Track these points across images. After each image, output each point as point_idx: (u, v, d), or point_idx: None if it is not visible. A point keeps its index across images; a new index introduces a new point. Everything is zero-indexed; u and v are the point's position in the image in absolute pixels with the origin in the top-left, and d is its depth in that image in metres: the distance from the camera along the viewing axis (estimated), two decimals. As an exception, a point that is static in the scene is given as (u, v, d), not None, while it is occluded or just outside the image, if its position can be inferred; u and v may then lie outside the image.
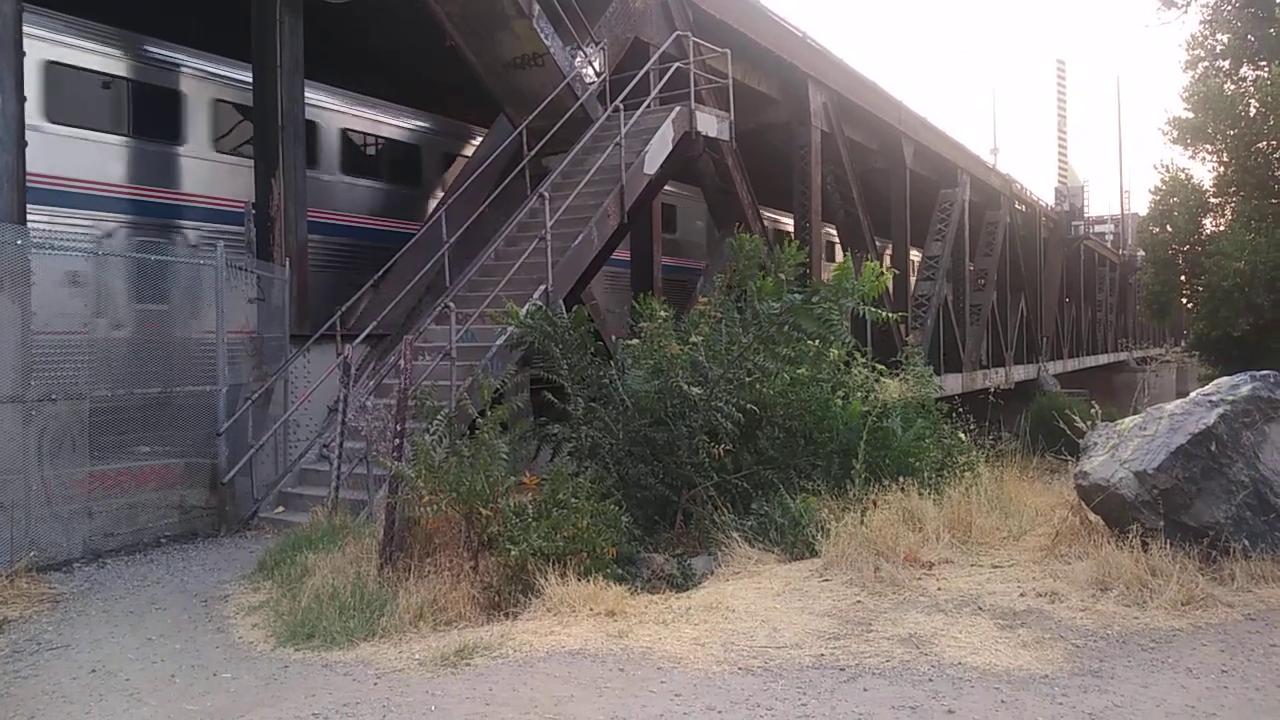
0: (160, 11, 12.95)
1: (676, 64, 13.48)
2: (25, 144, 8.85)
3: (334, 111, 14.38)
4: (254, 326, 10.13)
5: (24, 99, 8.84)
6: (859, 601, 5.74)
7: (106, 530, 8.02)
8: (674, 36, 14.20)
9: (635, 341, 9.07)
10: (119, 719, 4.58)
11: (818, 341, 8.16)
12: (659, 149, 12.61)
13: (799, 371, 8.37)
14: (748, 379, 7.88)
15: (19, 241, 7.81)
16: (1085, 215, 46.51)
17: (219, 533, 8.80)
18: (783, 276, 8.73)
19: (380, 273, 11.38)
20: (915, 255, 27.52)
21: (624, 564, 6.68)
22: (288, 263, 11.15)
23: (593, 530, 6.33)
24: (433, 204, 15.53)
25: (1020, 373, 34.92)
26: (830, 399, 8.35)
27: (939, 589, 5.91)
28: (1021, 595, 5.71)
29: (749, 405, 7.73)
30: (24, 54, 8.87)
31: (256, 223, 11.34)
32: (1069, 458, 8.04)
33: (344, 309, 10.66)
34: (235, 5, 12.05)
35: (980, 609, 5.50)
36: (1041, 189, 49.76)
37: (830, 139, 20.44)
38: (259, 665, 5.29)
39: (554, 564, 6.04)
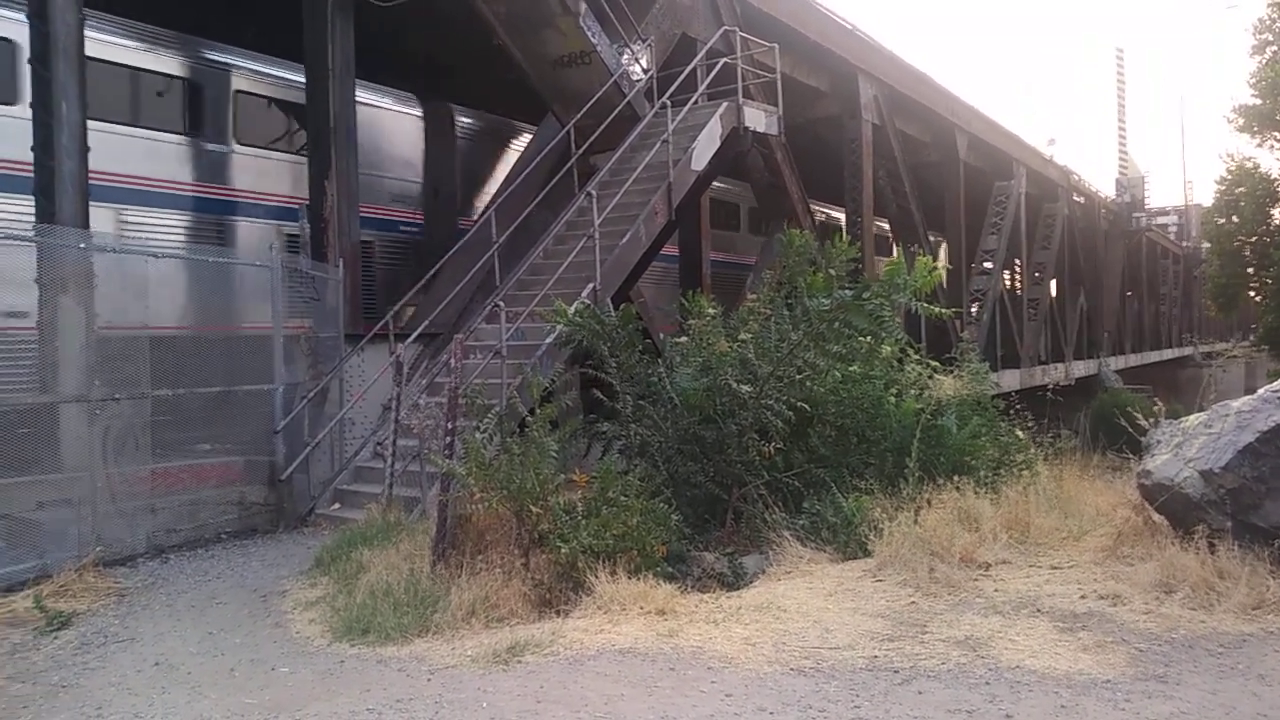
0: (217, 15, 13.26)
1: (724, 59, 13.39)
2: (88, 150, 9.11)
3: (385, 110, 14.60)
4: (309, 326, 10.30)
5: (87, 106, 9.10)
6: (913, 602, 5.65)
7: (169, 526, 8.22)
8: (721, 31, 14.10)
9: (683, 339, 9.04)
10: (180, 712, 4.68)
11: (869, 338, 8.04)
12: (706, 145, 12.55)
13: (851, 369, 8.26)
14: (798, 376, 7.80)
15: (82, 245, 8.04)
16: (1146, 207, 45.31)
17: (277, 529, 8.98)
18: (833, 272, 8.62)
19: (431, 272, 11.49)
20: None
21: (674, 562, 6.66)
22: (341, 263, 11.32)
23: (642, 528, 6.32)
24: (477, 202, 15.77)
25: (1081, 368, 34.11)
26: (883, 396, 8.23)
27: (996, 590, 5.80)
28: (1082, 597, 5.58)
29: (799, 403, 7.65)
30: (86, 61, 9.13)
31: (310, 224, 11.53)
32: (1131, 456, 7.83)
33: (396, 308, 10.79)
34: (289, 9, 12.26)
35: (1039, 611, 5.38)
36: (1101, 181, 48.55)
37: (881, 132, 20.18)
38: (315, 660, 5.38)
39: (604, 562, 6.04)
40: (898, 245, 22.35)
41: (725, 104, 12.89)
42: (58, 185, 8.84)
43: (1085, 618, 5.24)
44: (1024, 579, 6.00)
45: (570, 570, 6.05)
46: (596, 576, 5.90)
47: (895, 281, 7.42)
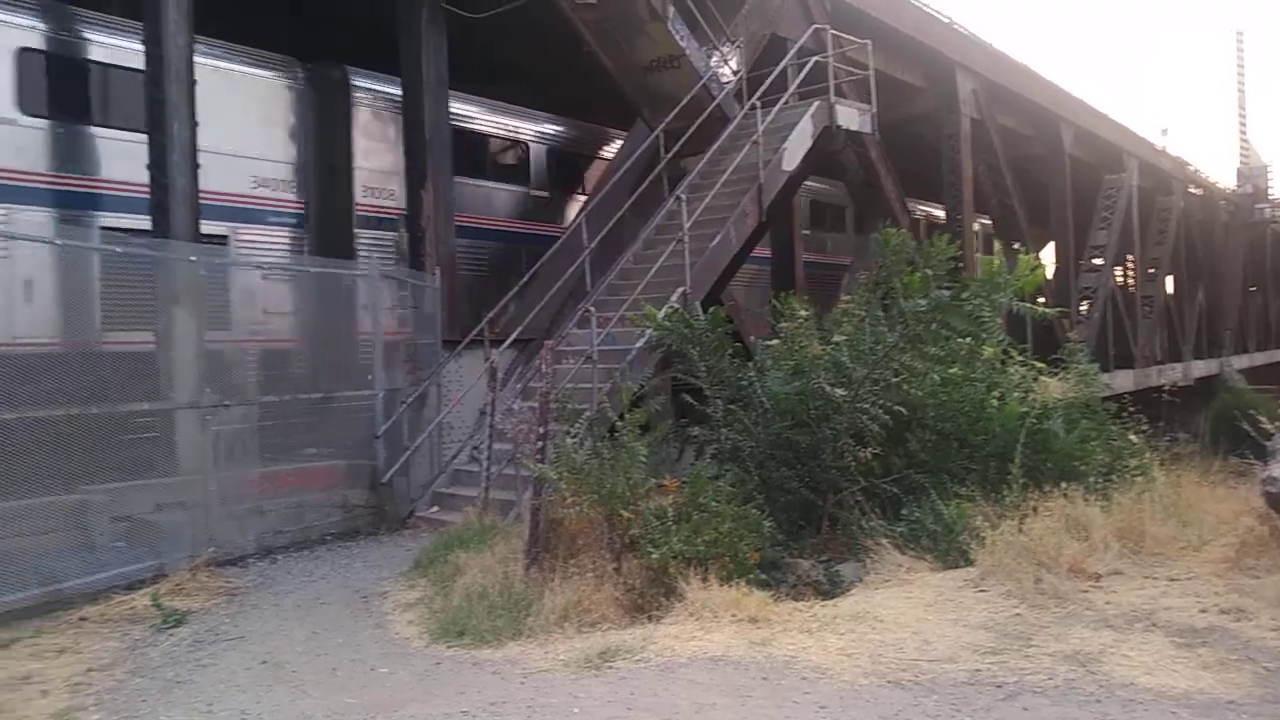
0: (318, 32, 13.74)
1: (815, 58, 13.20)
2: (198, 167, 9.53)
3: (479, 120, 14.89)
4: (408, 333, 10.56)
5: (196, 125, 9.53)
6: (1018, 614, 5.43)
7: (277, 528, 8.51)
8: (811, 30, 13.91)
9: (775, 342, 8.92)
10: (284, 710, 4.83)
11: (970, 339, 7.78)
12: (798, 145, 12.39)
13: (950, 371, 8.01)
14: (895, 380, 7.60)
15: (193, 258, 8.43)
16: (1270, 197, 42.73)
17: (378, 531, 9.21)
18: (930, 272, 8.37)
19: (525, 278, 11.64)
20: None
21: (767, 569, 6.56)
22: (438, 271, 11.57)
23: (734, 534, 6.25)
24: (572, 207, 15.91)
25: (1200, 368, 32.39)
26: (985, 399, 7.94)
27: (1107, 603, 5.52)
28: (1202, 611, 5.26)
29: (896, 407, 7.46)
30: (195, 83, 9.56)
31: (408, 233, 11.84)
32: (1255, 461, 7.37)
33: (491, 315, 10.97)
34: (385, 23, 12.60)
35: (1154, 625, 5.10)
36: (1219, 171, 46.05)
37: (981, 126, 19.59)
38: (413, 661, 5.48)
39: (696, 568, 5.99)
40: (1001, 243, 21.64)
41: (817, 103, 12.70)
42: (171, 201, 9.29)
43: (1206, 633, 4.95)
44: (1138, 591, 5.70)
45: (662, 576, 6.01)
46: (688, 583, 5.85)
47: (995, 281, 7.16)
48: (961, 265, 14.69)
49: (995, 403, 8.07)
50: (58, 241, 8.55)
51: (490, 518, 8.24)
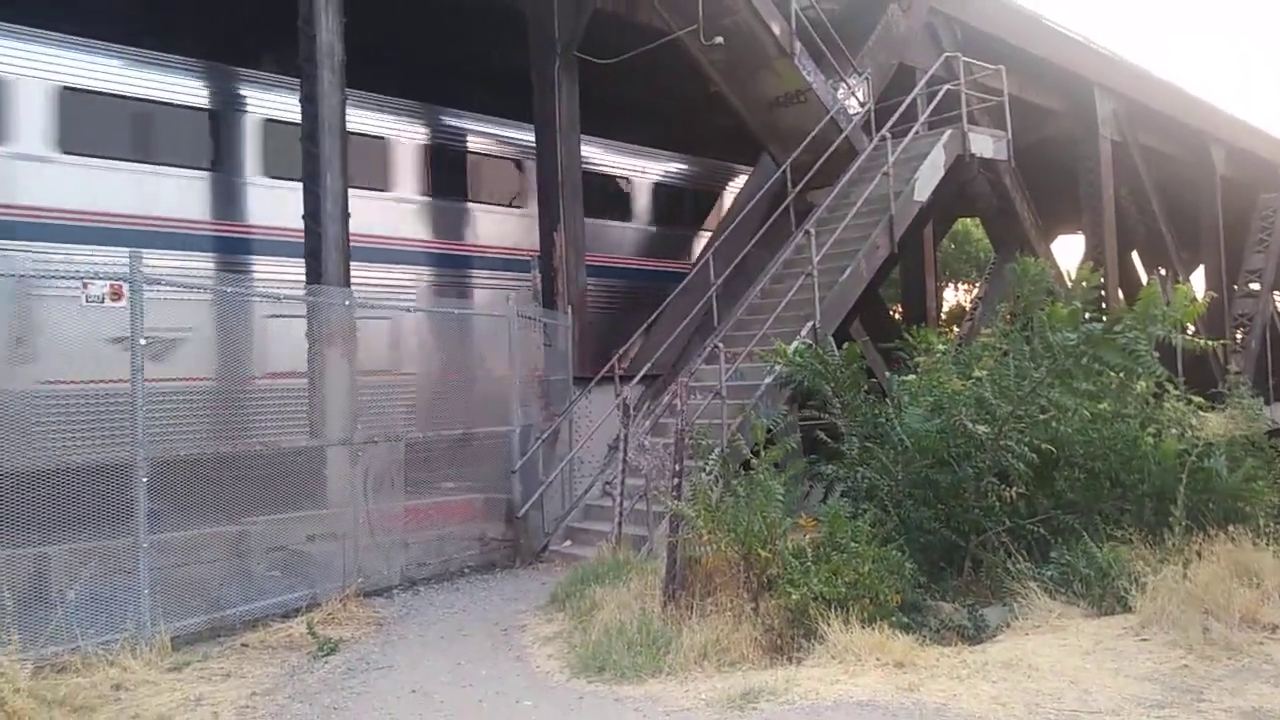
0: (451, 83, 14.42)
1: (945, 86, 12.99)
2: (349, 215, 10.09)
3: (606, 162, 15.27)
4: (542, 370, 10.82)
5: (348, 176, 10.10)
6: (1185, 666, 5.11)
7: (419, 560, 8.81)
8: (942, 59, 13.69)
9: (911, 377, 8.73)
10: (436, 739, 4.98)
11: (1121, 374, 7.42)
12: (929, 175, 12.19)
13: (1099, 407, 7.65)
14: (1041, 416, 7.32)
15: (345, 302, 8.89)
16: None
17: (514, 564, 9.41)
18: (1077, 304, 8.05)
19: (654, 315, 11.78)
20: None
21: (909, 612, 6.39)
22: (569, 309, 11.84)
23: (875, 576, 6.11)
24: (697, 244, 16.05)
25: (1373, 399, 29.82)
26: (1139, 436, 7.55)
27: (1287, 656, 5.13)
28: (1398, 669, 4.83)
29: (1043, 445, 7.17)
30: (348, 136, 10.16)
31: (541, 273, 12.18)
32: None
33: (621, 351, 11.14)
34: (519, 71, 13.09)
35: (1344, 683, 4.71)
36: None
37: (1123, 148, 18.79)
38: (556, 695, 5.57)
39: (836, 609, 5.89)
40: (1147, 271, 20.60)
41: (949, 132, 12.48)
42: (324, 248, 9.85)
43: (1406, 694, 4.54)
44: (1322, 645, 5.28)
45: (801, 617, 5.94)
46: (829, 624, 5.76)
47: (1151, 313, 6.82)
48: (1105, 295, 14.10)
49: (1150, 440, 7.66)
50: (226, 290, 9.16)
51: (624, 553, 8.30)
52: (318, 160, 9.88)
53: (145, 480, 6.41)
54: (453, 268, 13.51)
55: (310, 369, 8.97)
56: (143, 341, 6.53)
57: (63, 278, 9.12)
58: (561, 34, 12.30)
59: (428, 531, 9.15)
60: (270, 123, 11.85)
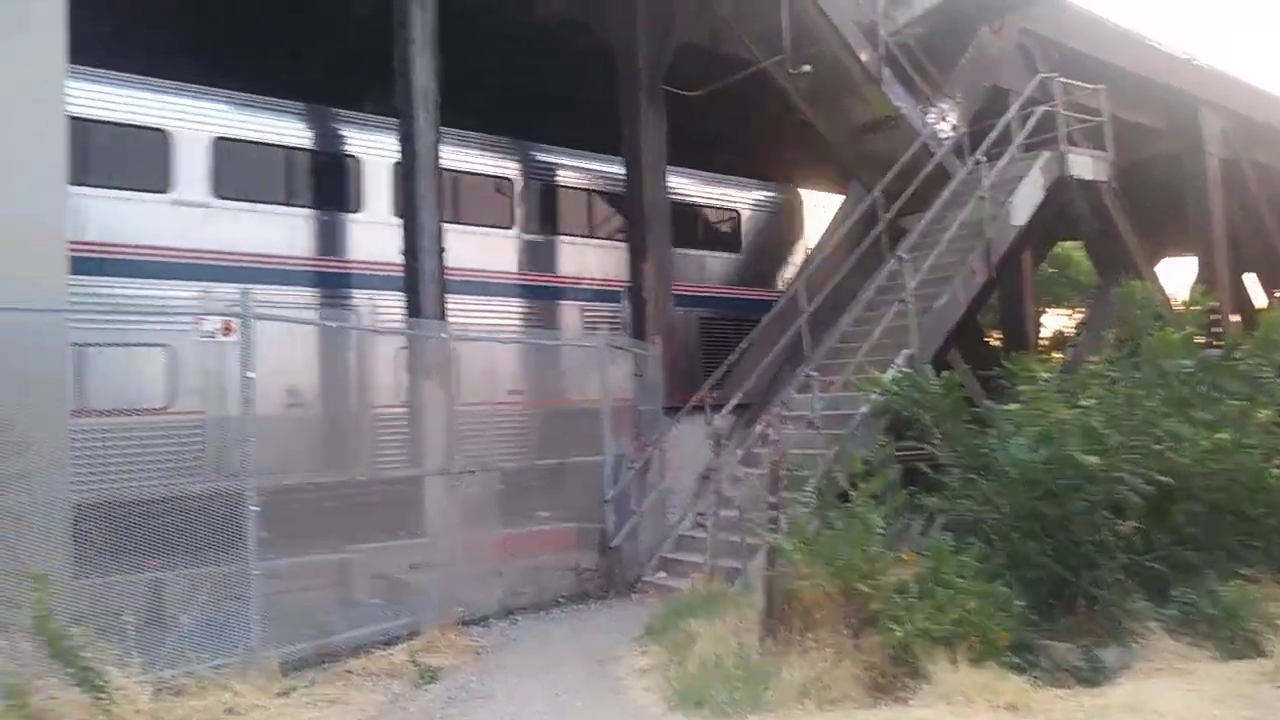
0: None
1: (1041, 107, 12.67)
2: (444, 250, 10.34)
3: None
4: (632, 400, 10.86)
5: (441, 213, 10.37)
6: (1329, 716, 4.78)
7: (515, 589, 8.87)
8: (1036, 80, 13.37)
9: (1015, 405, 8.44)
10: (537, 771, 4.98)
11: (1243, 402, 7.05)
12: (1027, 198, 11.88)
13: (1219, 436, 7.26)
14: (1156, 446, 6.98)
15: (443, 335, 9.10)
16: None
17: (607, 594, 9.39)
18: (1189, 328, 7.70)
19: (744, 344, 11.72)
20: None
21: (1019, 651, 6.11)
22: (658, 339, 11.87)
23: (982, 612, 5.90)
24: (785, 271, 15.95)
25: None
26: (1265, 469, 7.14)
27: None
28: None
29: (1160, 476, 6.84)
30: (442, 174, 10.44)
31: (631, 303, 12.26)
32: None
33: (712, 380, 11.10)
34: (605, 106, 13.27)
35: None
36: None
37: (1233, 166, 18.01)
38: (654, 730, 5.51)
39: (942, 647, 5.70)
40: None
41: (1046, 154, 12.16)
42: (421, 282, 10.11)
43: None
44: None
45: (905, 654, 5.77)
46: (935, 663, 5.58)
47: (1274, 338, 6.47)
48: (1218, 317, 13.48)
49: (1277, 472, 7.24)
50: (331, 324, 9.48)
51: (717, 585, 8.23)
52: (414, 198, 10.18)
53: (255, 509, 6.61)
54: (552, 299, 13.62)
55: (410, 400, 9.20)
56: (251, 374, 6.74)
57: (177, 313, 9.61)
58: (647, 67, 12.45)
59: (523, 561, 9.23)
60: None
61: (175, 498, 6.92)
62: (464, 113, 12.09)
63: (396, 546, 8.60)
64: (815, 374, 9.86)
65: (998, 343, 17.34)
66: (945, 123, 13.39)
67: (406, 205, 10.36)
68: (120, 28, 10.83)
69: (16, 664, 5.15)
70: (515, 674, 6.88)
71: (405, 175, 10.37)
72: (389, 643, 7.43)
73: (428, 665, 6.90)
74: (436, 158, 10.42)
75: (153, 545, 6.53)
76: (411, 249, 10.22)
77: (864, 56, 12.09)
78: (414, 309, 10.00)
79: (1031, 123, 12.29)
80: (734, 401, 11.34)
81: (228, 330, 8.94)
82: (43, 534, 5.94)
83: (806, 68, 11.90)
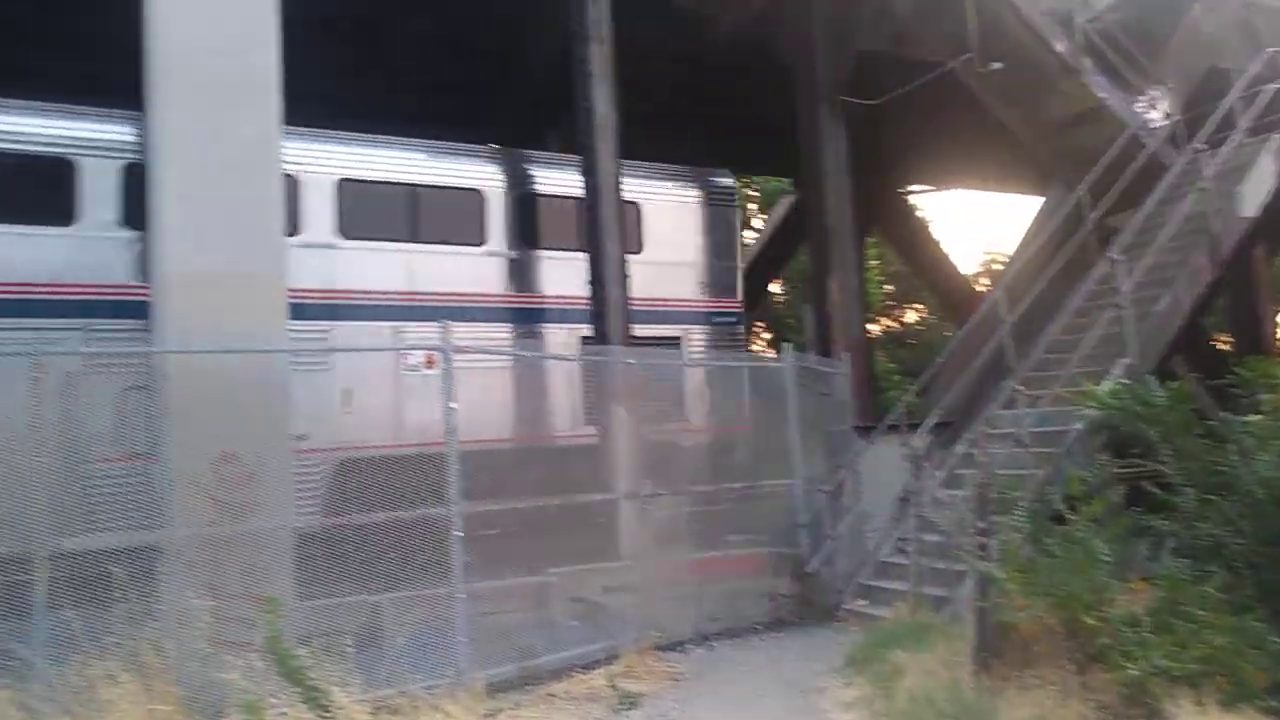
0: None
1: (1271, 86, 11.46)
2: (628, 277, 10.49)
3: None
4: (821, 420, 10.58)
5: (625, 242, 10.54)
6: None
7: (710, 614, 8.77)
8: (1265, 55, 12.11)
9: (1256, 417, 7.58)
10: (742, 806, 4.85)
11: None
12: (1257, 187, 10.78)
13: None
14: None
15: (631, 360, 9.20)
16: None
17: (805, 621, 9.13)
18: None
19: (941, 359, 11.21)
20: None
21: (1276, 694, 5.45)
22: (847, 357, 11.52)
23: (1232, 650, 5.29)
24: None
25: None
26: None
27: None
28: None
29: None
30: (623, 206, 10.61)
31: (815, 319, 11.99)
32: None
33: (907, 398, 10.66)
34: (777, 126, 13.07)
35: None
36: None
37: None
38: (862, 768, 5.27)
39: (1184, 687, 5.15)
40: None
41: (1278, 137, 10.97)
42: (607, 311, 10.30)
43: None
44: None
45: (1141, 694, 5.25)
46: (1178, 705, 5.04)
47: None
48: None
49: None
50: (523, 354, 9.81)
51: (923, 614, 7.83)
52: (598, 229, 10.39)
53: (459, 534, 6.86)
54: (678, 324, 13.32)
55: (599, 425, 9.35)
56: (454, 405, 7.01)
57: (385, 350, 10.20)
58: (825, 79, 12.21)
59: (717, 586, 9.13)
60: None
61: (393, 524, 7.23)
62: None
63: (592, 569, 8.71)
64: (1021, 388, 9.26)
65: (1226, 347, 15.81)
66: (1156, 111, 12.40)
67: (591, 236, 10.60)
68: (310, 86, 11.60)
69: (253, 681, 5.52)
70: (715, 702, 6.78)
71: (589, 206, 10.61)
72: (587, 666, 7.49)
73: (626, 690, 6.91)
74: (617, 188, 10.61)
75: (368, 570, 6.89)
76: (598, 278, 10.43)
77: (1060, 48, 11.37)
78: (600, 336, 10.19)
79: (1260, 103, 11.13)
80: (932, 420, 10.84)
81: (430, 364, 9.39)
82: (272, 558, 6.40)
83: (996, 65, 11.30)
